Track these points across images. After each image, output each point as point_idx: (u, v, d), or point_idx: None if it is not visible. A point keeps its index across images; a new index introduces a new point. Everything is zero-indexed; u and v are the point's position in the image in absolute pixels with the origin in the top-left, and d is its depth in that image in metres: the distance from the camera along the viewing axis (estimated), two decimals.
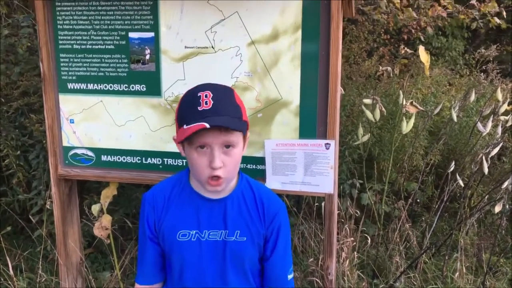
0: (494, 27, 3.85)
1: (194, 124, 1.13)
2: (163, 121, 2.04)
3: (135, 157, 2.11)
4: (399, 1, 3.30)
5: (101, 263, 2.85)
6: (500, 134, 2.47)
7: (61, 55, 2.09)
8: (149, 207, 1.34)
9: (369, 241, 2.71)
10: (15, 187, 2.93)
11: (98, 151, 2.14)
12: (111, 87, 2.07)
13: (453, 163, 2.62)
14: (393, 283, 2.51)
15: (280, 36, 1.86)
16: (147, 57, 2.00)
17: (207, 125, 1.12)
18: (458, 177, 2.51)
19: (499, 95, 2.50)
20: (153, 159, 2.09)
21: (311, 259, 2.40)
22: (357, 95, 3.27)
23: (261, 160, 1.97)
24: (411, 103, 2.36)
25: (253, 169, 1.97)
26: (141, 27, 1.98)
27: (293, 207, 2.82)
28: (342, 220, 2.60)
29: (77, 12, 2.03)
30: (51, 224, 2.70)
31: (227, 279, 1.31)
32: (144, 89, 2.03)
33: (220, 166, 1.18)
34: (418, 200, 3.22)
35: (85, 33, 2.04)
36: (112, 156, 2.13)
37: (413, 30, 3.95)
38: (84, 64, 2.07)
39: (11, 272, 2.27)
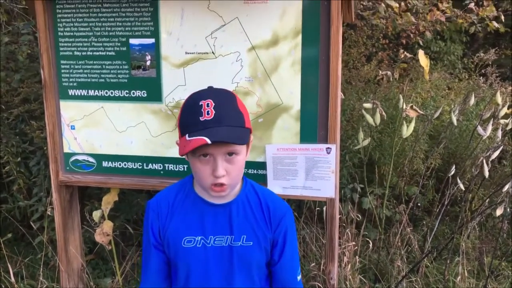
0: (493, 31, 3.87)
1: (196, 138, 1.12)
2: (164, 127, 2.04)
3: (136, 163, 2.11)
4: (397, 6, 3.32)
5: (102, 269, 2.84)
6: (500, 137, 2.47)
7: (62, 61, 2.09)
8: (153, 214, 1.33)
9: (370, 245, 2.70)
10: (16, 193, 2.92)
11: (99, 157, 2.14)
12: (112, 93, 2.07)
13: (454, 166, 2.63)
14: (395, 287, 2.50)
15: (280, 41, 1.87)
16: (148, 63, 2.01)
17: (209, 141, 1.11)
18: (459, 180, 2.51)
19: (499, 99, 2.50)
20: (154, 164, 2.09)
21: (313, 264, 2.40)
22: (357, 100, 3.27)
23: (262, 165, 1.97)
24: (411, 107, 2.36)
25: (254, 174, 1.98)
26: (142, 33, 1.99)
27: (294, 211, 2.82)
28: (344, 225, 2.59)
29: (77, 19, 2.04)
30: (52, 231, 2.70)
31: (234, 285, 1.29)
32: (145, 95, 2.04)
33: (223, 175, 1.17)
34: (419, 204, 3.21)
35: (86, 39, 2.05)
36: (113, 162, 2.13)
37: (411, 35, 3.97)
38: (85, 71, 2.08)
39: (13, 279, 2.26)
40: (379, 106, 2.36)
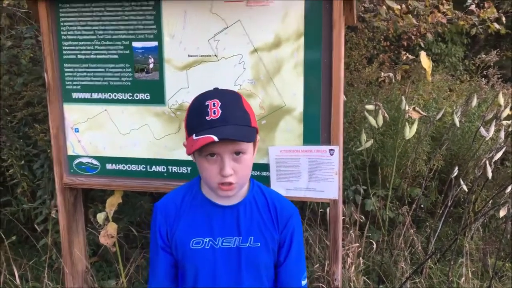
0: (494, 32, 3.87)
1: (203, 136, 1.13)
2: (167, 129, 2.05)
3: (139, 165, 2.12)
4: (399, 8, 3.33)
5: (106, 271, 2.85)
6: (503, 138, 2.47)
7: (66, 65, 2.10)
8: (160, 216, 1.33)
9: (374, 246, 2.70)
10: (20, 196, 2.94)
11: (103, 160, 2.15)
12: (115, 96, 2.08)
13: (457, 168, 2.63)
14: None
15: (283, 43, 1.87)
16: (151, 66, 2.02)
17: (216, 139, 1.11)
18: (462, 182, 2.52)
19: (501, 100, 2.50)
20: (157, 167, 2.10)
21: (317, 265, 2.40)
22: (359, 102, 3.28)
23: (266, 167, 1.97)
24: (414, 109, 2.37)
25: (257, 175, 1.98)
26: (145, 36, 2.00)
27: None
28: (347, 226, 2.60)
29: (81, 22, 2.05)
30: (56, 233, 2.71)
31: (242, 287, 1.29)
32: (148, 97, 2.05)
33: (230, 174, 1.18)
34: (422, 206, 3.21)
35: (89, 43, 2.06)
36: (117, 165, 2.14)
37: (413, 37, 3.98)
38: (88, 74, 2.09)
39: (18, 281, 2.27)
40: (381, 107, 2.37)
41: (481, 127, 2.51)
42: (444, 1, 3.56)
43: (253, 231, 1.29)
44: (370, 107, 2.45)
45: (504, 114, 2.52)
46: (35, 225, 2.75)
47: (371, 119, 2.42)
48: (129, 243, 2.93)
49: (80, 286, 2.33)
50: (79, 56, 2.09)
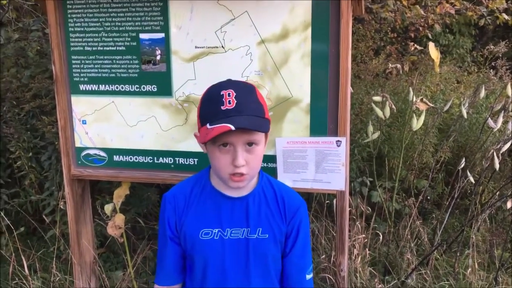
0: (502, 23, 3.84)
1: (219, 125, 1.13)
2: (174, 121, 2.06)
3: (147, 157, 2.13)
4: None
5: (113, 262, 2.88)
6: (511, 130, 2.46)
7: (73, 57, 2.11)
8: (169, 207, 1.33)
9: (380, 238, 2.71)
10: (28, 188, 2.96)
11: (110, 151, 2.16)
12: (122, 88, 2.09)
13: (464, 159, 2.62)
14: (405, 279, 2.51)
15: (290, 34, 1.87)
16: (158, 57, 2.02)
17: (232, 127, 1.11)
18: (468, 173, 2.51)
19: (509, 91, 2.48)
20: (164, 158, 2.11)
21: (323, 256, 2.41)
22: (365, 94, 3.27)
23: (272, 158, 1.98)
24: (421, 100, 2.36)
25: (264, 167, 1.98)
26: (152, 28, 2.00)
27: None
28: (354, 217, 2.60)
29: (88, 14, 2.06)
30: (64, 225, 2.73)
31: (251, 278, 1.30)
32: (155, 89, 2.05)
33: (243, 164, 1.18)
34: (428, 197, 3.21)
35: (96, 34, 2.07)
36: (124, 156, 2.15)
37: (420, 28, 3.95)
38: (96, 66, 2.10)
39: (26, 272, 2.30)
40: (388, 99, 2.36)
41: (489, 119, 2.49)
42: None
43: (261, 223, 1.30)
44: (377, 98, 2.44)
45: None
46: (43, 216, 2.77)
47: (378, 111, 2.41)
48: (136, 235, 2.95)
49: (88, 276, 2.35)
50: (86, 48, 2.09)
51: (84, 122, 2.16)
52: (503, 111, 2.51)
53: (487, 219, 3.02)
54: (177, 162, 2.09)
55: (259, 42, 1.90)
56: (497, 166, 2.35)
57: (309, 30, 1.85)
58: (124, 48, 2.05)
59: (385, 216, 2.80)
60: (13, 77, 3.01)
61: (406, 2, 3.36)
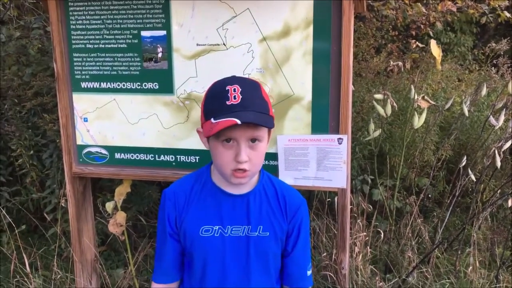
0: (503, 21, 3.83)
1: (224, 120, 1.12)
2: (175, 119, 2.05)
3: (148, 155, 2.13)
4: None
5: (115, 260, 2.88)
6: None
7: (74, 54, 2.11)
8: (169, 203, 1.32)
9: (381, 236, 2.71)
10: (29, 186, 2.96)
11: (112, 149, 2.16)
12: (124, 85, 2.09)
13: (465, 158, 2.62)
14: (406, 277, 2.51)
15: (292, 32, 1.87)
16: (159, 55, 2.02)
17: (239, 122, 1.11)
18: (470, 171, 2.50)
19: (511, 89, 2.48)
20: (166, 156, 2.11)
21: (324, 254, 2.41)
22: (367, 92, 3.26)
23: (274, 156, 1.98)
24: (423, 98, 2.35)
25: (265, 164, 1.98)
26: (153, 25, 2.00)
27: None
28: (355, 215, 2.60)
29: (89, 12, 2.06)
30: (65, 222, 2.73)
31: (251, 276, 1.29)
32: (157, 87, 2.05)
33: (246, 160, 1.17)
34: (429, 196, 3.21)
35: (98, 32, 2.07)
36: (126, 154, 2.15)
37: (422, 26, 3.94)
38: (97, 63, 2.10)
39: (28, 270, 2.30)
40: (390, 96, 2.36)
41: (491, 116, 2.49)
42: None
43: (262, 221, 1.29)
44: (378, 96, 2.44)
45: None
46: (45, 214, 2.77)
47: (379, 108, 2.41)
48: (137, 233, 2.96)
49: (89, 274, 2.35)
50: (88, 46, 2.09)
51: (85, 119, 2.16)
52: (504, 109, 2.51)
53: (488, 217, 3.01)
54: (178, 160, 2.09)
55: (261, 40, 1.90)
56: (498, 164, 2.35)
57: (311, 28, 1.85)
58: (125, 46, 2.05)
59: (386, 214, 2.80)
60: (14, 75, 3.00)
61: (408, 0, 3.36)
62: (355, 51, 3.93)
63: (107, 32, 2.06)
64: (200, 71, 1.99)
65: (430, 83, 3.47)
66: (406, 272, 2.55)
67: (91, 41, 2.08)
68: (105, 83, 2.10)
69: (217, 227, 1.28)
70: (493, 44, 3.26)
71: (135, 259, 2.60)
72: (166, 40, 2.00)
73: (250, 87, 1.20)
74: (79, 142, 2.18)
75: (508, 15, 3.52)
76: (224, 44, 1.94)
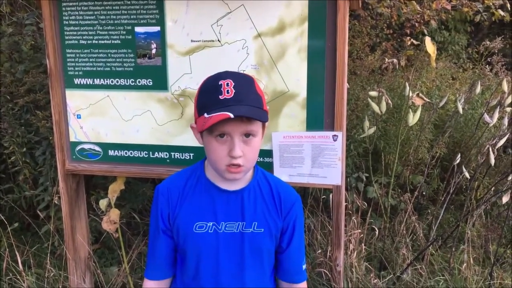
0: (497, 20, 3.84)
1: (217, 114, 1.11)
2: (170, 115, 2.04)
3: (142, 152, 2.11)
4: None
5: (108, 258, 2.86)
6: (506, 125, 2.46)
7: (67, 50, 2.09)
8: (162, 199, 1.31)
9: (376, 233, 2.71)
10: (22, 183, 2.94)
11: (105, 146, 2.14)
12: (117, 82, 2.07)
13: (459, 155, 2.62)
14: (400, 274, 2.51)
15: (287, 28, 1.86)
16: (153, 51, 2.01)
17: (231, 115, 1.10)
18: (464, 169, 2.51)
19: (505, 87, 2.49)
20: (160, 153, 2.09)
21: (319, 251, 2.41)
22: (361, 90, 3.27)
23: (269, 153, 1.97)
24: (417, 95, 2.36)
25: (260, 161, 1.98)
26: (147, 21, 1.99)
27: None
28: (350, 213, 2.60)
29: (83, 8, 2.04)
30: (58, 220, 2.71)
31: (245, 272, 1.29)
32: (151, 83, 2.04)
33: (240, 155, 1.16)
34: (424, 193, 3.22)
35: (91, 28, 2.05)
36: (119, 151, 2.14)
37: (416, 24, 3.94)
38: (91, 59, 2.08)
39: (21, 268, 2.28)
40: (384, 94, 2.36)
41: (485, 114, 2.50)
42: None
43: (257, 217, 1.29)
44: (373, 93, 2.44)
45: (508, 101, 2.50)
46: (38, 212, 2.75)
47: (374, 106, 2.41)
48: (131, 230, 2.94)
49: (82, 272, 2.34)
50: (81, 42, 2.07)
51: (78, 116, 2.14)
52: (498, 107, 2.51)
53: (482, 214, 3.03)
54: (172, 157, 2.08)
55: (256, 36, 1.89)
56: (492, 161, 2.36)
57: (306, 24, 1.84)
58: (119, 42, 2.03)
59: (381, 211, 2.80)
60: (7, 72, 2.98)
61: None
62: (349, 49, 3.93)
63: (101, 28, 2.04)
64: (195, 68, 1.97)
65: (425, 81, 3.48)
66: (400, 269, 2.55)
67: (84, 37, 2.06)
68: (98, 80, 2.09)
69: (211, 223, 1.27)
70: (487, 43, 3.27)
71: (129, 257, 2.59)
72: (160, 36, 1.98)
73: (244, 82, 1.19)
74: (72, 139, 2.17)
75: (502, 13, 3.53)
76: (218, 40, 1.93)
